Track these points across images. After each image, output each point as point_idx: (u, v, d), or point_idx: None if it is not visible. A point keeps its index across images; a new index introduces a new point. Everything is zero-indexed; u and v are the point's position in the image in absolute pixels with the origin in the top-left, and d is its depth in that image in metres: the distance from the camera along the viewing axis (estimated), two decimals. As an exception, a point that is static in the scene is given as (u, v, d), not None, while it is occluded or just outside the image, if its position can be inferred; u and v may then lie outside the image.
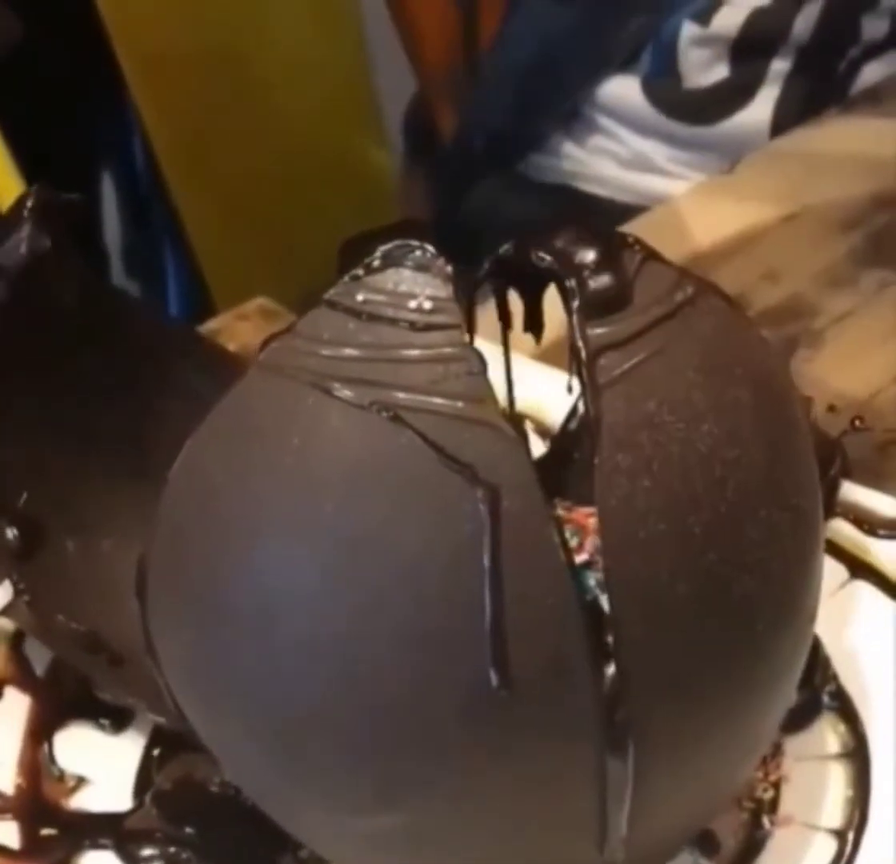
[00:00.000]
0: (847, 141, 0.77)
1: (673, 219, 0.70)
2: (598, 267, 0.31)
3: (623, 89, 0.92)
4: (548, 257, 0.32)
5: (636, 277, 0.32)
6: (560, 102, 0.94)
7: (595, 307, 0.31)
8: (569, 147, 0.95)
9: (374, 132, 1.10)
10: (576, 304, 0.31)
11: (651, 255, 0.33)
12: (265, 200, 1.00)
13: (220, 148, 0.98)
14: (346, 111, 1.07)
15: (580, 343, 0.30)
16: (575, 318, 0.30)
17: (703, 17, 0.89)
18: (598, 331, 0.30)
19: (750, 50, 0.89)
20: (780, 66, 0.90)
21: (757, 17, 0.88)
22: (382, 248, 0.31)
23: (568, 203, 0.92)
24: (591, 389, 0.30)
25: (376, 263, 0.31)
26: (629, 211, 0.81)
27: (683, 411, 0.30)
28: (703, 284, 0.33)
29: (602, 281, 0.31)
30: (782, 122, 0.88)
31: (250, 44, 0.98)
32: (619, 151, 0.94)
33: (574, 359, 0.30)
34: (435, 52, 1.10)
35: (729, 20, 0.89)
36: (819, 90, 0.88)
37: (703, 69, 0.91)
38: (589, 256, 0.31)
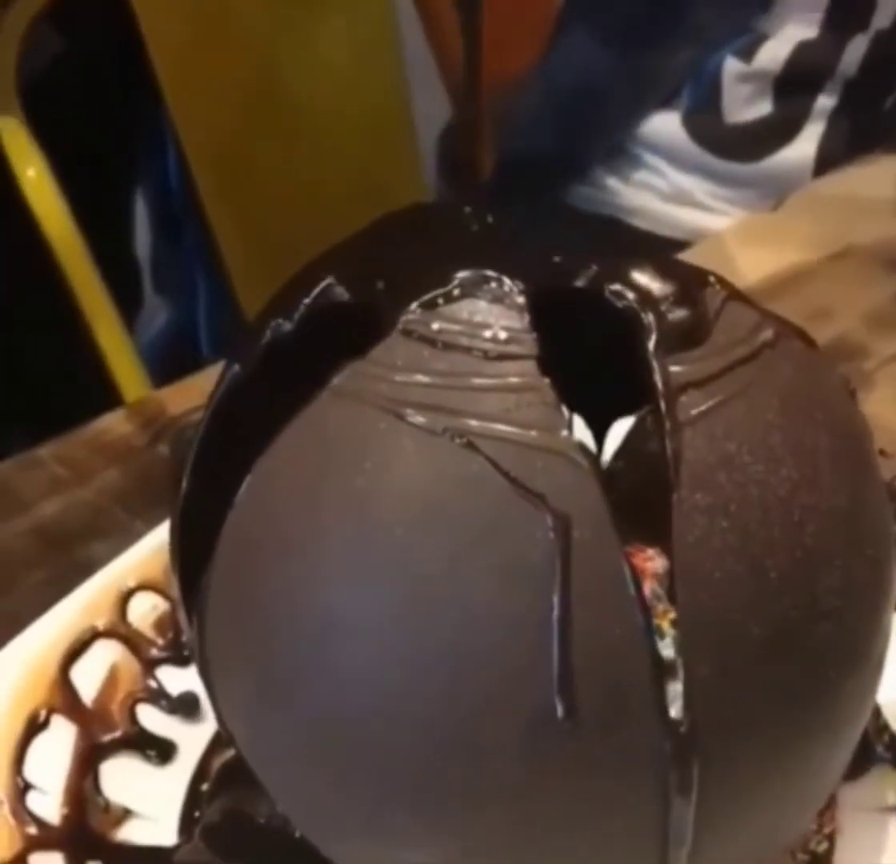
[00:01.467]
0: (893, 180, 0.76)
1: (719, 255, 0.70)
2: (677, 302, 0.31)
3: (664, 125, 0.92)
4: (627, 293, 0.31)
5: (718, 317, 0.31)
6: (601, 137, 0.94)
7: (672, 343, 0.30)
8: (611, 180, 0.95)
9: (409, 157, 1.10)
10: (653, 340, 0.30)
11: (733, 294, 0.32)
12: (298, 220, 1.00)
13: (254, 167, 0.98)
14: (381, 135, 1.08)
15: (659, 380, 0.30)
16: (653, 355, 0.30)
17: (747, 53, 0.89)
18: (678, 369, 0.30)
19: (794, 86, 0.89)
20: (825, 102, 0.89)
21: (802, 51, 0.88)
22: (459, 277, 0.31)
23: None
24: (671, 426, 0.29)
25: (454, 292, 0.31)
26: (670, 244, 0.81)
27: (763, 454, 0.30)
28: (784, 324, 0.33)
29: (680, 316, 0.31)
30: (826, 160, 0.87)
31: (288, 64, 0.98)
32: (660, 185, 0.93)
33: (650, 396, 0.30)
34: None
35: (773, 55, 0.88)
36: (865, 127, 0.88)
37: (746, 105, 0.90)
38: (667, 290, 0.31)
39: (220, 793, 0.40)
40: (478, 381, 0.30)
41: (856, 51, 0.88)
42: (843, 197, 0.76)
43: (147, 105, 0.96)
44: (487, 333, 0.30)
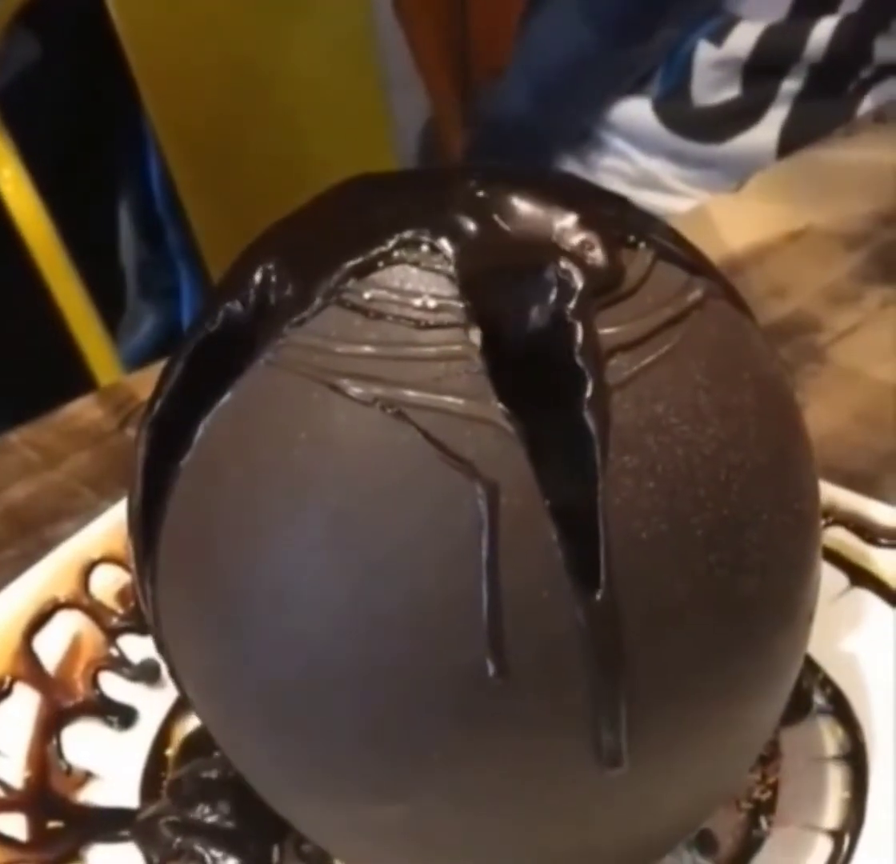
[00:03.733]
0: (853, 160, 0.77)
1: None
2: (604, 264, 0.31)
3: (635, 110, 0.93)
4: (555, 256, 0.31)
5: (647, 277, 0.32)
6: (576, 117, 0.95)
7: (600, 306, 0.31)
8: (578, 167, 0.96)
9: (389, 156, 1.11)
10: (581, 304, 0.30)
11: (663, 253, 0.33)
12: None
13: (235, 169, 0.99)
14: (361, 135, 1.08)
15: (586, 344, 0.30)
16: (580, 319, 0.30)
17: (718, 36, 0.90)
18: (606, 331, 0.30)
19: (762, 71, 0.90)
20: (790, 86, 0.90)
21: (770, 34, 0.89)
22: (391, 242, 0.31)
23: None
24: (599, 390, 0.30)
25: (386, 259, 0.31)
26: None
27: (690, 414, 0.30)
28: (712, 284, 0.33)
29: (607, 278, 0.31)
30: (789, 143, 0.88)
31: (267, 66, 0.99)
32: (627, 169, 0.94)
33: (578, 360, 0.30)
34: (442, 77, 1.11)
35: (743, 40, 0.89)
36: (827, 111, 0.89)
37: (715, 89, 0.91)
38: (595, 252, 0.31)
39: (184, 760, 0.41)
40: (408, 350, 0.30)
41: (822, 34, 0.89)
42: (803, 176, 0.77)
43: (126, 110, 0.97)
44: (417, 302, 0.30)
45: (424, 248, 0.31)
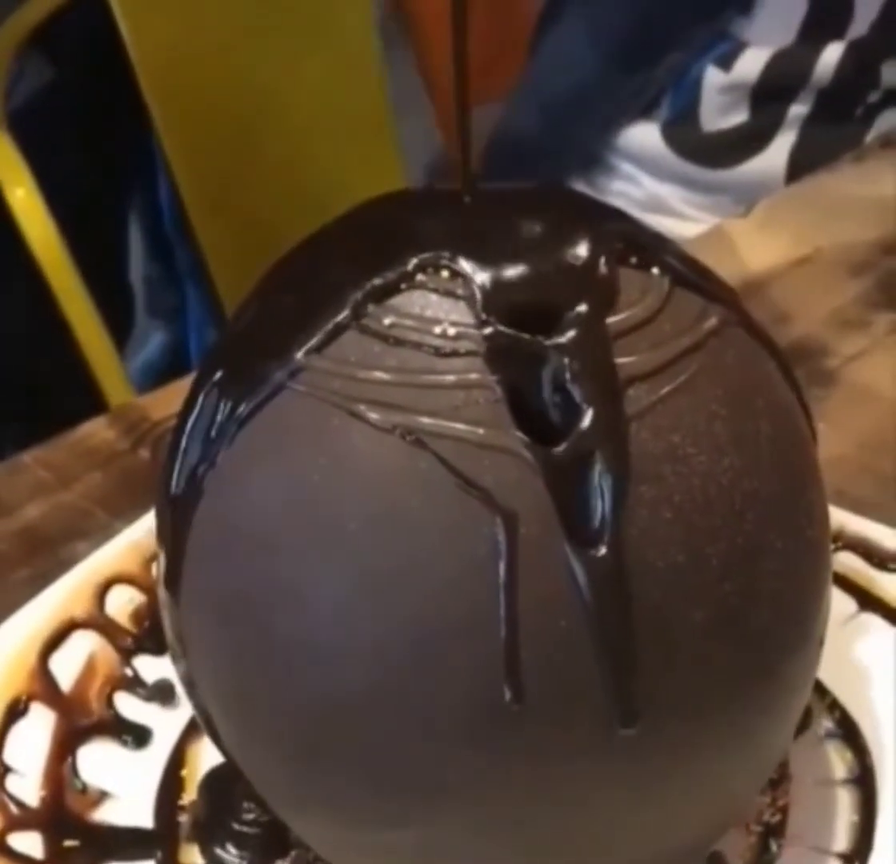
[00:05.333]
0: (861, 186, 0.78)
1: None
2: (623, 293, 0.31)
3: (643, 134, 0.94)
4: (571, 284, 0.31)
5: (665, 305, 0.32)
6: (585, 141, 0.95)
7: (617, 334, 0.31)
8: (587, 191, 0.96)
9: (398, 177, 1.12)
10: (598, 333, 0.31)
11: (679, 279, 0.33)
12: (288, 241, 1.01)
13: (244, 189, 0.99)
14: (369, 155, 1.09)
15: (604, 374, 0.30)
16: (598, 348, 0.31)
17: (726, 61, 0.90)
18: (625, 361, 0.31)
19: (770, 95, 0.90)
20: (798, 110, 0.91)
21: (778, 59, 0.89)
22: (413, 265, 0.31)
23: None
24: (618, 421, 0.30)
25: (407, 283, 0.31)
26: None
27: (706, 444, 0.31)
28: (727, 311, 0.33)
29: (626, 308, 0.31)
30: (798, 167, 0.89)
31: (276, 86, 0.99)
32: (635, 193, 0.95)
33: (593, 389, 0.30)
34: (451, 99, 1.11)
35: (751, 65, 0.90)
36: (835, 136, 0.89)
37: (723, 114, 0.92)
38: (614, 281, 0.32)
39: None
40: (427, 378, 0.30)
41: (830, 59, 0.90)
42: (811, 202, 0.77)
43: (137, 130, 0.97)
44: (437, 329, 0.30)
45: (445, 273, 0.31)
